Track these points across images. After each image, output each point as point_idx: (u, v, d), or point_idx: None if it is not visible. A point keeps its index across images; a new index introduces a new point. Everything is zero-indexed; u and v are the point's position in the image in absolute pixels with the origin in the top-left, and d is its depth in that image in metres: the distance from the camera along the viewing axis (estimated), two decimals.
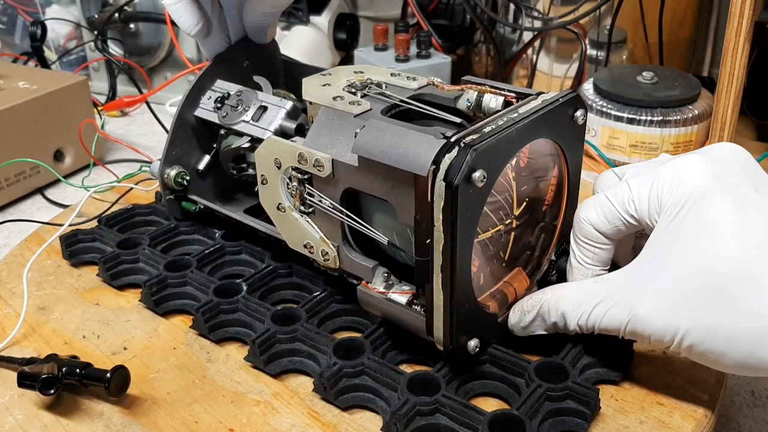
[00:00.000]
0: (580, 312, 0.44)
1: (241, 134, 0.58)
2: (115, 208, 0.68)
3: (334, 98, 0.48)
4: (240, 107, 0.57)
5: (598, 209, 0.45)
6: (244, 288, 0.54)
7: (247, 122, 0.57)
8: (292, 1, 0.59)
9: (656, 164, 0.46)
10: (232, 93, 0.59)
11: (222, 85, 0.60)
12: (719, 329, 0.39)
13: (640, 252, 0.43)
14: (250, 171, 0.60)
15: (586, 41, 0.94)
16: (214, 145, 0.61)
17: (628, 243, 0.49)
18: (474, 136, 0.40)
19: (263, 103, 0.57)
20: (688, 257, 0.39)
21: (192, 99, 0.60)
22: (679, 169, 0.41)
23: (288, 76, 0.65)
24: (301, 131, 0.55)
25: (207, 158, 0.62)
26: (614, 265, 0.48)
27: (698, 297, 0.39)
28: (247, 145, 0.58)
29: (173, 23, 0.93)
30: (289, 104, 0.56)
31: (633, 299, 0.41)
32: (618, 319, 0.42)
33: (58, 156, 0.85)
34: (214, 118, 0.59)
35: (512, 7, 1.01)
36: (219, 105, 0.59)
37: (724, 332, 0.39)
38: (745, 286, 0.38)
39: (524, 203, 0.47)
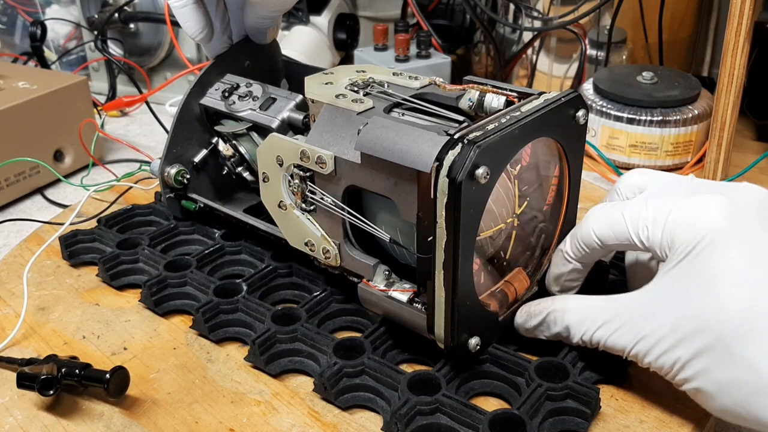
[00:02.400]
0: (584, 328, 0.44)
1: (241, 120, 0.58)
2: (115, 207, 0.68)
3: (337, 96, 0.48)
4: (249, 98, 0.58)
5: (608, 224, 0.44)
6: (244, 288, 0.54)
7: (254, 110, 0.57)
8: (291, 6, 0.59)
9: (682, 185, 0.45)
10: (241, 84, 0.59)
11: (231, 78, 0.61)
12: (712, 372, 0.39)
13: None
14: (238, 169, 0.60)
15: (586, 41, 0.94)
16: (213, 140, 0.61)
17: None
18: (477, 133, 0.40)
19: (272, 95, 0.58)
20: (695, 301, 0.39)
21: (192, 98, 0.60)
22: (698, 207, 0.41)
23: (289, 76, 0.65)
24: (309, 124, 0.55)
25: (204, 152, 0.62)
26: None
27: (697, 340, 0.39)
28: (243, 130, 0.58)
29: (173, 23, 0.93)
30: (299, 97, 0.56)
31: (638, 328, 0.42)
32: (622, 343, 0.42)
33: (58, 156, 0.85)
34: (220, 106, 0.59)
35: (512, 7, 1.01)
36: (227, 95, 0.59)
37: (717, 377, 0.39)
38: (743, 339, 0.38)
39: (525, 202, 0.47)
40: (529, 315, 0.47)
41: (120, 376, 0.46)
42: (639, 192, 0.47)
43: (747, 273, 0.39)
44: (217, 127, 0.60)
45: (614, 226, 0.44)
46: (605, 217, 0.44)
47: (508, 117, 0.43)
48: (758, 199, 0.42)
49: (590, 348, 0.45)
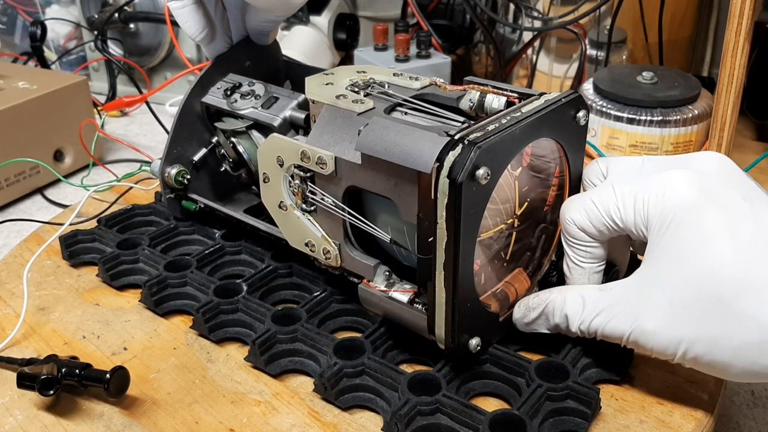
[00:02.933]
0: (582, 317, 0.44)
1: (243, 118, 0.58)
2: (115, 207, 0.68)
3: (337, 97, 0.48)
4: (251, 96, 0.58)
5: (582, 212, 0.45)
6: (244, 288, 0.54)
7: (256, 108, 0.57)
8: (294, 11, 0.59)
9: (639, 165, 0.46)
10: (244, 83, 0.60)
11: (234, 78, 0.61)
12: (722, 340, 0.39)
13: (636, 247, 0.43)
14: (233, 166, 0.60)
15: (586, 41, 0.94)
16: (213, 140, 0.61)
17: (623, 241, 0.49)
18: (478, 134, 0.40)
19: (275, 94, 0.58)
20: (687, 271, 0.40)
21: (193, 99, 0.60)
22: (665, 183, 0.42)
23: (289, 76, 0.65)
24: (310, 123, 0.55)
25: (204, 151, 0.62)
26: (612, 264, 0.48)
27: (699, 310, 0.39)
28: (244, 128, 0.58)
29: (173, 23, 0.93)
30: (301, 96, 0.57)
31: (635, 312, 0.42)
32: (620, 329, 0.42)
33: (58, 156, 0.85)
34: (222, 104, 0.59)
35: (512, 7, 1.01)
36: (229, 93, 0.59)
37: (728, 343, 0.39)
38: (743, 296, 0.38)
39: (526, 203, 0.47)
40: (527, 308, 0.47)
41: (120, 376, 0.46)
42: (604, 178, 0.48)
43: (729, 233, 0.39)
44: (217, 124, 0.60)
45: (588, 213, 0.44)
46: (578, 206, 0.45)
47: (508, 118, 0.43)
48: (717, 163, 0.43)
49: (589, 338, 0.45)
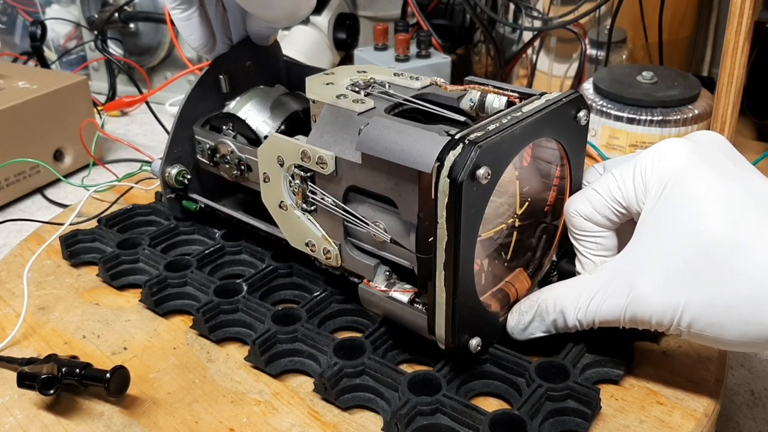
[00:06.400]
0: (578, 305, 0.43)
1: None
2: (115, 207, 0.68)
3: (338, 96, 0.48)
4: None
5: (585, 201, 0.45)
6: (245, 288, 0.54)
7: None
8: (298, 21, 0.59)
9: (634, 155, 0.46)
10: None
11: None
12: (716, 298, 0.39)
13: None
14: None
15: (586, 41, 0.94)
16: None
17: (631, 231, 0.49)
18: (478, 134, 0.40)
19: None
20: (678, 230, 0.40)
21: (193, 99, 0.60)
22: (660, 149, 0.42)
23: (290, 76, 0.65)
24: None
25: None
26: None
27: (692, 269, 0.39)
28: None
29: (173, 24, 0.93)
30: None
31: (629, 282, 0.42)
32: (617, 305, 0.42)
33: (58, 156, 0.85)
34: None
35: (512, 7, 1.01)
36: None
37: (722, 301, 0.39)
38: (734, 252, 0.38)
39: (526, 203, 0.47)
40: (520, 313, 0.46)
41: (120, 375, 0.46)
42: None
43: (720, 192, 0.40)
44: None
45: (592, 201, 0.45)
46: (581, 197, 0.46)
47: (509, 117, 0.43)
48: (713, 138, 0.44)
49: (587, 329, 0.44)
